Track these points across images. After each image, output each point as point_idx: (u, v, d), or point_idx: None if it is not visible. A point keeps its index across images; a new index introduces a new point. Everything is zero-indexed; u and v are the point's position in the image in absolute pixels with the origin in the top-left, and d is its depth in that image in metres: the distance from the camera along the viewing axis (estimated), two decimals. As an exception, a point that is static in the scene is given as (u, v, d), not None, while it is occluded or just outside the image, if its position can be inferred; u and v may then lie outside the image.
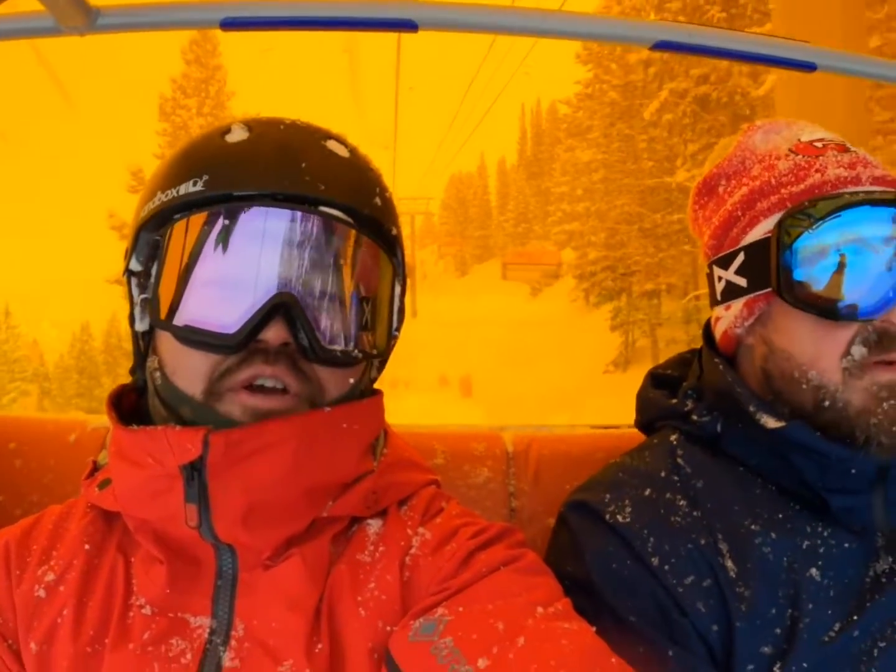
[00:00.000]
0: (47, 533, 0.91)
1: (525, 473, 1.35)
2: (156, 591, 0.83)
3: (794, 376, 0.98)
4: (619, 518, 0.97)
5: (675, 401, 1.10)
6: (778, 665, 0.89)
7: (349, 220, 0.85)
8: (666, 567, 0.93)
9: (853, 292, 0.94)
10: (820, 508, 0.96)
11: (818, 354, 0.96)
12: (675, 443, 1.06)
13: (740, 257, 1.02)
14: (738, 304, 1.04)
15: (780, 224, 0.97)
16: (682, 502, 0.98)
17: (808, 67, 1.20)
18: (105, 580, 0.86)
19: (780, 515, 0.96)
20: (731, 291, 1.04)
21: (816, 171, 0.99)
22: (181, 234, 0.83)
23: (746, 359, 1.06)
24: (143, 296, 0.88)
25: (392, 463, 0.94)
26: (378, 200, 0.90)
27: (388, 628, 0.81)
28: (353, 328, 0.86)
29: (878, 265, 0.94)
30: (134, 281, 0.90)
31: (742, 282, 1.02)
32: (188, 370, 0.83)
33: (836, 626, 0.90)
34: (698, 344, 1.16)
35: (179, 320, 0.82)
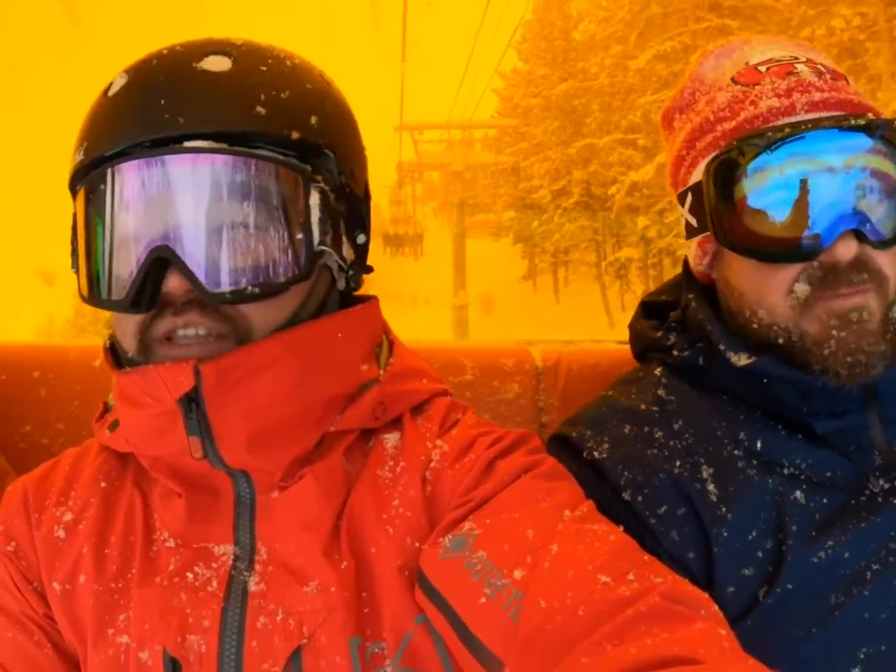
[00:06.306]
0: (64, 474, 0.91)
1: (554, 388, 1.36)
2: (177, 525, 0.83)
3: (746, 315, 0.97)
4: (596, 454, 0.98)
5: (659, 334, 1.09)
6: (764, 589, 0.89)
7: (221, 145, 0.78)
8: (639, 498, 0.93)
9: (789, 231, 0.91)
10: (807, 432, 0.95)
11: (763, 293, 0.95)
12: (658, 375, 1.06)
13: (689, 197, 1.01)
14: (693, 243, 1.03)
15: (707, 168, 0.95)
16: (658, 433, 0.98)
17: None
18: (124, 516, 0.86)
19: (765, 441, 0.95)
20: (689, 230, 1.03)
21: (751, 102, 0.94)
22: (78, 206, 0.83)
23: (720, 292, 1.05)
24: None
25: (399, 372, 0.92)
26: (261, 108, 0.79)
27: (417, 545, 0.81)
28: (245, 262, 0.78)
29: (815, 200, 0.90)
30: None
31: (694, 221, 1.01)
32: (122, 331, 0.83)
33: (827, 547, 0.89)
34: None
35: (86, 292, 0.82)
